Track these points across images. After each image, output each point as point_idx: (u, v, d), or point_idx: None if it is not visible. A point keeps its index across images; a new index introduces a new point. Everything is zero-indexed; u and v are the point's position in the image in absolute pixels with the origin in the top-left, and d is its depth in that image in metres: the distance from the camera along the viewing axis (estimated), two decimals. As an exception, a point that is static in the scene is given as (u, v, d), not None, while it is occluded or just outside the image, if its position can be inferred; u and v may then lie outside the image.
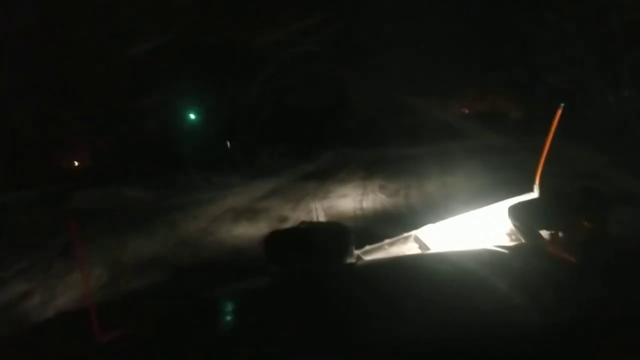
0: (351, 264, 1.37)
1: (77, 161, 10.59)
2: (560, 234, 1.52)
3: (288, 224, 4.96)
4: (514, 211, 1.65)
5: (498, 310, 0.94)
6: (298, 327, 0.96)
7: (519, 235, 1.67)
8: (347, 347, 0.86)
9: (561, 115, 2.04)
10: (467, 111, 14.75)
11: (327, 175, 7.47)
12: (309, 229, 1.51)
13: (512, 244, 1.84)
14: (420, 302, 1.00)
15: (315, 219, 5.06)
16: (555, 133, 2.01)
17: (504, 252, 1.32)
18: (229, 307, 1.20)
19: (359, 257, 1.76)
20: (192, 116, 9.87)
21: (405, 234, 2.30)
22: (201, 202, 6.19)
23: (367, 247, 2.25)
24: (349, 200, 5.82)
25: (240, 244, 4.38)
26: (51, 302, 3.13)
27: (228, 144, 10.24)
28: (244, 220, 5.24)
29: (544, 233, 1.55)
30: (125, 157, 9.40)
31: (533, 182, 2.07)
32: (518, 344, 0.81)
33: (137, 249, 4.26)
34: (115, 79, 8.86)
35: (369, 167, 8.14)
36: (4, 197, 7.62)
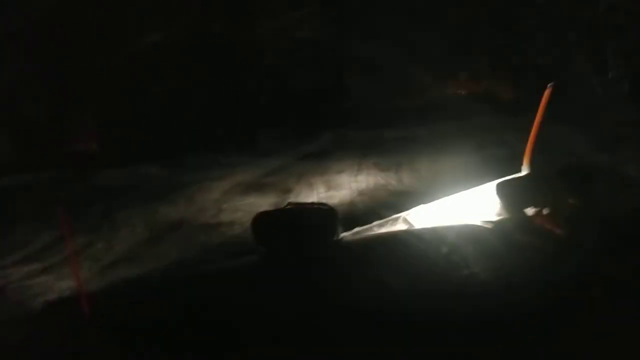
0: (336, 242, 1.42)
1: (88, 145, 11.50)
2: (545, 211, 1.57)
3: (292, 195, 5.98)
4: (502, 188, 1.72)
5: (478, 281, 1.00)
6: (284, 305, 1.01)
7: (505, 212, 1.74)
8: (334, 322, 0.92)
9: (549, 96, 2.11)
10: (463, 92, 15.72)
11: (325, 155, 8.43)
12: (296, 211, 1.60)
13: (495, 219, 1.90)
14: (403, 276, 1.07)
15: (315, 191, 6.06)
16: (543, 113, 2.10)
17: (486, 227, 1.39)
18: (215, 285, 1.23)
19: (346, 237, 1.80)
20: (196, 100, 10.82)
21: (395, 216, 2.42)
22: (211, 178, 7.17)
23: (356, 229, 2.33)
24: (346, 175, 6.81)
25: (250, 209, 5.39)
26: (110, 249, 4.17)
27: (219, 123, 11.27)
28: (252, 192, 6.25)
29: (530, 210, 1.61)
30: (134, 140, 10.29)
31: (521, 161, 2.17)
32: (497, 314, 0.87)
33: (165, 214, 5.28)
34: (123, 67, 9.80)
35: (365, 146, 9.08)
36: (24, 177, 8.59)
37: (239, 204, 5.65)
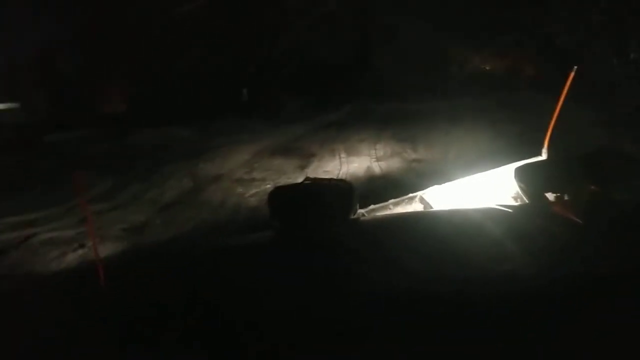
0: (354, 220, 1.45)
1: (119, 106, 12.49)
2: (566, 197, 1.58)
3: (315, 159, 6.92)
4: (521, 173, 1.72)
5: (498, 265, 1.02)
6: (298, 279, 1.05)
7: (524, 197, 1.77)
8: (346, 299, 0.95)
9: (572, 79, 2.10)
10: (486, 68, 16.35)
11: (346, 124, 9.34)
12: (314, 186, 1.60)
13: (516, 204, 2.01)
14: (420, 256, 1.09)
15: (337, 156, 6.99)
16: (566, 96, 2.10)
17: (507, 211, 1.40)
18: (231, 258, 1.26)
19: (363, 216, 1.85)
20: (224, 68, 11.77)
21: (411, 194, 2.53)
22: (240, 142, 8.14)
23: (372, 206, 2.45)
24: (365, 143, 7.72)
25: (278, 169, 6.37)
26: (163, 195, 5.20)
27: (244, 92, 12.23)
28: (278, 154, 7.21)
29: (549, 195, 1.63)
30: (164, 103, 11.23)
31: (540, 143, 2.25)
32: (517, 299, 0.89)
33: (204, 170, 6.29)
34: (156, 33, 10.75)
35: (384, 118, 9.93)
36: (60, 135, 9.65)
37: (268, 164, 6.62)
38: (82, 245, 3.98)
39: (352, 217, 1.44)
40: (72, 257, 3.74)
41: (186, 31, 10.96)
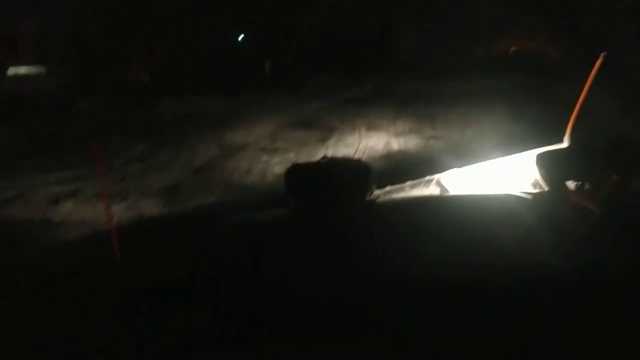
0: (371, 202, 1.46)
1: (138, 76, 12.97)
2: (586, 186, 1.57)
3: (336, 132, 7.35)
4: (542, 159, 1.72)
5: (514, 254, 1.04)
6: (313, 258, 1.07)
7: (543, 184, 1.74)
8: (362, 281, 0.96)
9: (600, 67, 2.10)
10: (511, 50, 16.53)
11: (367, 101, 9.72)
12: (331, 165, 1.59)
13: (535, 191, 1.96)
14: (436, 242, 1.11)
15: (357, 131, 7.42)
16: (592, 83, 2.08)
17: (526, 198, 1.40)
18: (246, 236, 1.29)
19: (379, 197, 1.85)
20: (246, 43, 12.24)
21: (428, 177, 2.51)
22: (263, 114, 8.59)
23: (389, 187, 2.45)
24: (385, 120, 8.12)
25: (300, 140, 6.84)
26: (193, 159, 5.73)
27: (267, 66, 12.70)
28: (300, 127, 7.67)
29: (570, 183, 1.62)
30: (183, 73, 11.68)
31: (563, 131, 2.22)
32: (534, 287, 0.91)
33: (230, 139, 6.78)
34: (181, 6, 11.22)
35: (405, 96, 10.26)
36: (89, 101, 10.19)
37: (290, 136, 7.09)
38: (125, 198, 4.52)
39: (369, 198, 1.45)
40: (117, 208, 4.27)
41: (212, 3, 11.39)
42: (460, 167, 2.54)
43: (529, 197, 1.44)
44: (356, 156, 6.02)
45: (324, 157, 1.64)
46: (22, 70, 12.64)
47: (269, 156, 5.95)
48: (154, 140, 6.72)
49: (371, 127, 7.57)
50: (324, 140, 6.83)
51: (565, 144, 2.19)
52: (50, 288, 2.23)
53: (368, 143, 6.63)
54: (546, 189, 1.72)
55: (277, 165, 5.62)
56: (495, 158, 2.59)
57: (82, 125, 8.09)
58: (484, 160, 2.61)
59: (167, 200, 4.53)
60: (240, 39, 12.38)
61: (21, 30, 12.04)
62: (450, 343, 0.78)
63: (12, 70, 12.08)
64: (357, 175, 1.48)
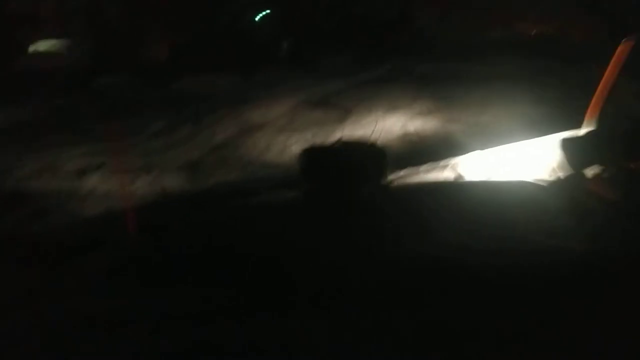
0: (385, 185, 1.48)
1: (157, 53, 13.10)
2: (605, 173, 1.58)
3: (353, 114, 7.45)
4: (563, 144, 1.77)
5: (527, 240, 1.04)
6: (326, 239, 1.07)
7: (561, 170, 1.80)
8: (375, 261, 0.96)
9: (627, 52, 2.07)
10: (533, 32, 16.35)
11: (385, 82, 9.77)
12: (346, 148, 1.64)
13: (551, 178, 1.99)
14: (449, 226, 1.10)
15: (374, 113, 7.50)
16: (617, 68, 2.09)
17: (541, 186, 1.42)
18: (260, 216, 1.31)
19: (393, 180, 1.83)
20: (265, 22, 12.32)
21: (444, 162, 2.63)
22: (280, 93, 8.69)
23: (403, 172, 2.55)
24: (402, 101, 8.18)
25: (317, 121, 6.96)
26: (212, 137, 5.89)
27: (285, 45, 12.77)
28: (318, 108, 7.77)
29: (589, 169, 1.67)
30: (202, 51, 11.79)
31: (583, 116, 2.29)
32: (552, 270, 0.92)
33: (248, 118, 6.92)
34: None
35: (423, 78, 10.26)
36: (108, 78, 10.37)
37: (308, 116, 7.21)
38: (148, 172, 4.70)
39: (383, 182, 1.44)
40: (141, 183, 4.46)
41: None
42: (476, 152, 2.48)
43: (545, 184, 1.42)
44: (372, 137, 6.12)
45: (339, 140, 1.61)
46: (43, 46, 12.86)
47: (287, 136, 6.09)
48: (173, 117, 6.89)
49: (388, 109, 7.63)
50: (341, 120, 6.94)
51: (585, 129, 2.19)
52: (80, 257, 2.45)
53: (385, 124, 6.72)
54: (563, 175, 1.69)
55: (294, 144, 5.76)
56: (512, 143, 2.54)
57: (102, 101, 8.29)
58: (501, 145, 2.56)
59: (189, 176, 4.70)
60: (258, 17, 12.46)
61: (42, 7, 12.21)
62: (466, 323, 0.79)
63: (32, 47, 12.29)
64: (371, 158, 1.48)
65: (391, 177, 1.86)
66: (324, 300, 0.85)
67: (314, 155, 1.70)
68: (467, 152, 2.76)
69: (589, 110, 2.26)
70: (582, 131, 2.25)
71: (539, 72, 10.13)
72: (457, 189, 1.69)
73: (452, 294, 0.89)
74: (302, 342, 0.63)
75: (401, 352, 0.64)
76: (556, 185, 1.66)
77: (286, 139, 5.98)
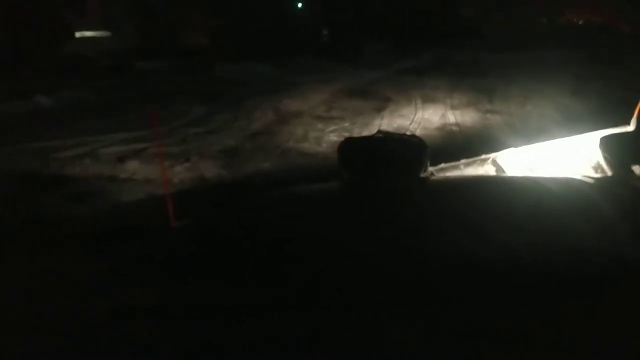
0: (425, 178, 1.45)
1: (198, 39, 13.21)
2: None
3: (391, 103, 7.36)
4: (606, 142, 1.66)
5: (573, 240, 0.99)
6: (363, 231, 1.05)
7: (605, 168, 1.71)
8: (414, 257, 0.93)
9: None
10: (579, 22, 15.86)
11: (424, 72, 9.63)
12: (386, 140, 1.60)
13: (597, 175, 1.95)
14: (496, 221, 1.07)
15: (413, 103, 7.40)
16: None
17: (588, 182, 1.35)
18: (297, 205, 1.28)
19: (433, 174, 1.86)
20: (305, 10, 12.26)
21: (484, 156, 2.54)
22: (318, 81, 8.67)
23: (443, 165, 2.48)
24: (442, 91, 8.05)
25: (355, 109, 6.90)
26: (251, 124, 5.90)
27: (324, 33, 12.70)
28: (356, 96, 7.71)
29: (636, 168, 1.59)
30: (242, 38, 11.83)
31: (630, 112, 2.17)
32: (592, 277, 0.86)
33: (286, 106, 6.91)
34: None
35: (464, 68, 10.11)
36: (149, 63, 10.52)
37: (346, 105, 7.15)
38: (187, 160, 4.74)
39: (422, 174, 1.44)
40: (179, 169, 4.49)
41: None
42: (518, 146, 2.44)
43: (592, 181, 1.38)
44: (411, 127, 6.03)
45: (378, 132, 1.63)
46: (89, 32, 13.17)
47: (324, 124, 6.04)
48: (212, 104, 6.93)
49: (427, 99, 7.53)
50: (379, 110, 6.86)
51: (631, 127, 2.14)
52: (121, 242, 2.48)
53: (424, 115, 6.60)
54: (609, 173, 1.67)
55: (332, 133, 5.71)
56: (554, 139, 2.48)
57: (143, 86, 8.40)
58: (543, 141, 2.50)
59: (226, 163, 4.71)
60: (299, 5, 12.40)
61: (88, -6, 12.48)
62: (509, 326, 0.76)
63: (79, 33, 12.58)
64: (411, 150, 1.49)
65: (431, 169, 1.79)
66: (341, 299, 0.71)
67: (353, 145, 1.62)
68: (508, 146, 2.72)
69: (636, 108, 2.16)
70: (630, 127, 2.18)
71: (585, 64, 9.87)
72: (497, 183, 1.56)
73: (479, 293, 0.82)
74: (304, 342, 0.61)
75: (401, 352, 0.61)
76: (604, 182, 1.54)
77: (323, 127, 5.93)
